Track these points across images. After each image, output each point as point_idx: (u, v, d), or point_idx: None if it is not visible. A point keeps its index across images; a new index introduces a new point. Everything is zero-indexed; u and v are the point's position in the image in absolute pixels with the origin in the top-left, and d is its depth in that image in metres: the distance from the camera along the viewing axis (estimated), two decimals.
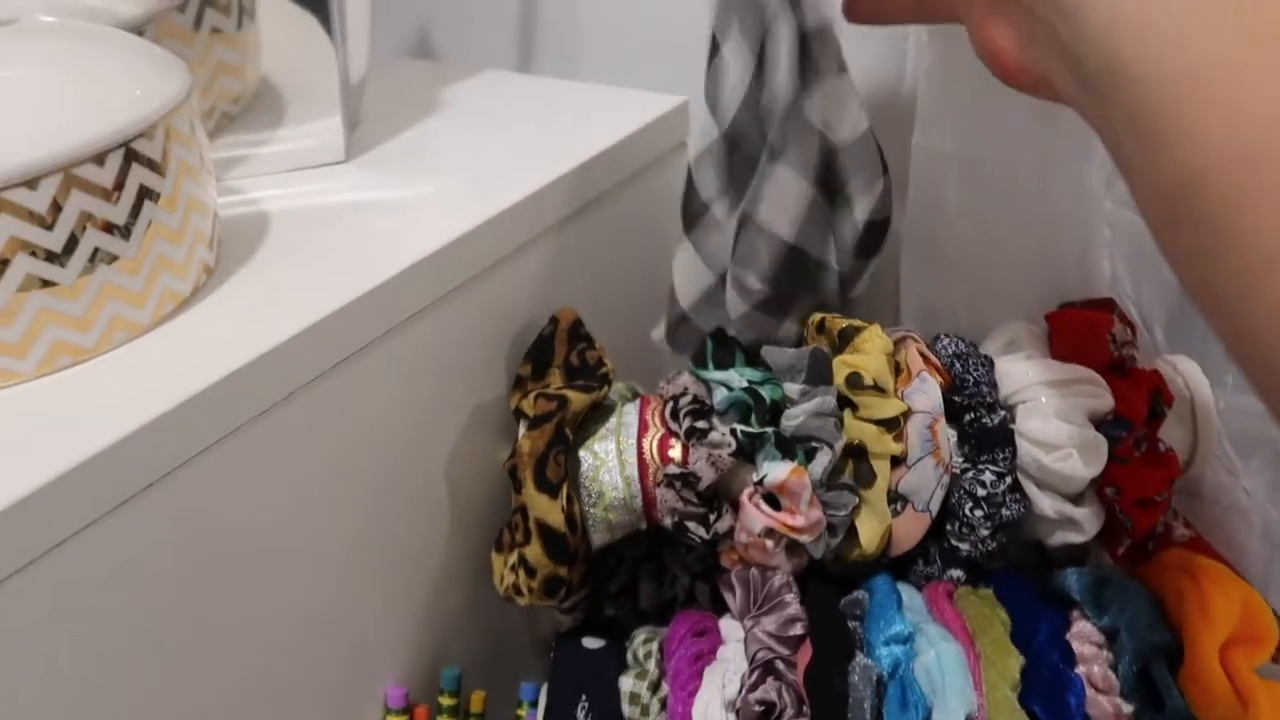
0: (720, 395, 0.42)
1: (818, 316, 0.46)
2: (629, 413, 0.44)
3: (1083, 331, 0.43)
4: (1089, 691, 0.39)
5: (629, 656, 0.43)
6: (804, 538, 0.39)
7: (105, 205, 0.34)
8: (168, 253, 0.37)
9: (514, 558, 0.43)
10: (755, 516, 0.39)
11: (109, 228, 0.35)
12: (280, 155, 0.50)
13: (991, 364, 0.42)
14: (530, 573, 0.40)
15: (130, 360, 0.36)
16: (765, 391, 0.41)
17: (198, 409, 0.34)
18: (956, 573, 0.44)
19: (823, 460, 0.39)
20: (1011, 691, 0.39)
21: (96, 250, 0.34)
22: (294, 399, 0.37)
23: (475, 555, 0.48)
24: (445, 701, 0.46)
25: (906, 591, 0.43)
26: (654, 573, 0.51)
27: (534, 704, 0.46)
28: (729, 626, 0.44)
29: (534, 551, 0.40)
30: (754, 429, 0.40)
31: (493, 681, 0.48)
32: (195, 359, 0.35)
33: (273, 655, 0.40)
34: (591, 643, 0.44)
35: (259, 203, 0.47)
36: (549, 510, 0.40)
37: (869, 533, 0.40)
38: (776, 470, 0.39)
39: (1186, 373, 0.44)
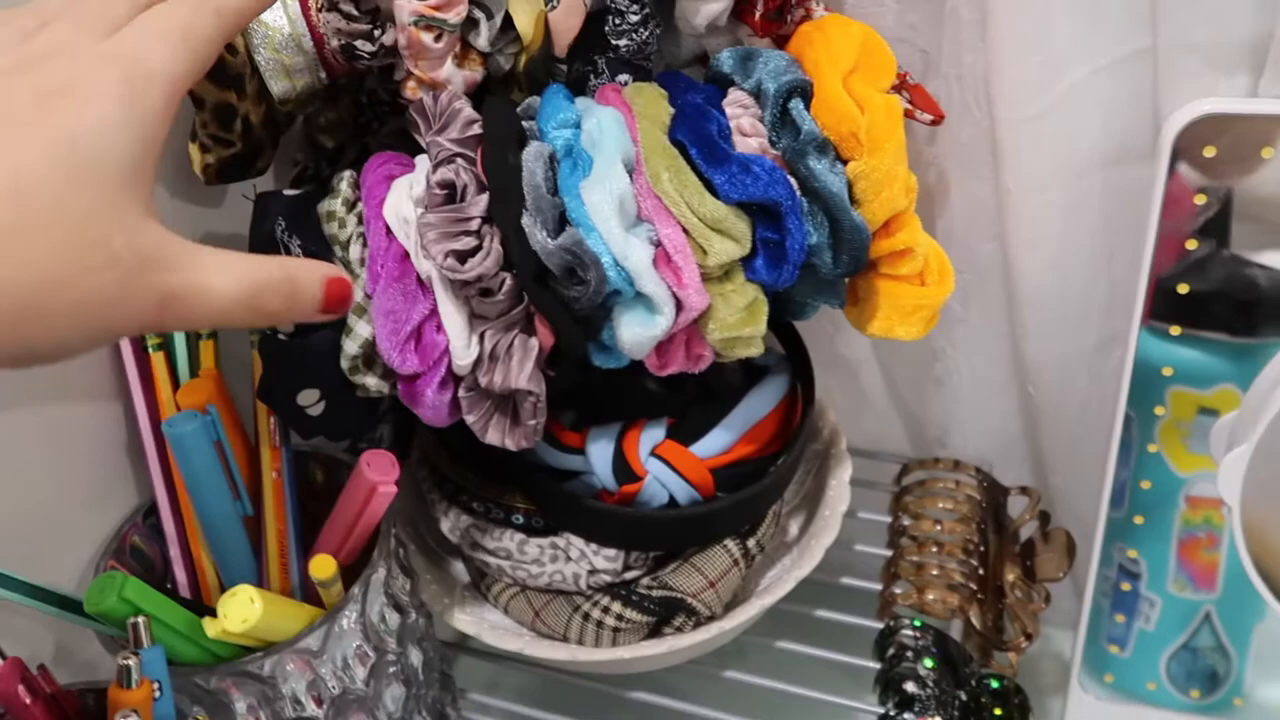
0: None
1: None
2: None
3: None
4: (739, 137, 0.44)
5: (328, 189, 0.46)
6: (451, 15, 0.41)
7: None
8: None
9: (198, 145, 0.45)
10: (402, 8, 0.41)
11: None
12: None
13: None
14: (200, 105, 0.42)
15: None
16: None
17: None
18: (624, 76, 0.48)
19: None
20: (662, 133, 0.43)
21: None
22: None
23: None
24: None
25: (580, 99, 0.47)
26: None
27: None
28: (421, 160, 0.46)
29: (200, 83, 0.41)
30: None
31: None
32: None
33: None
34: (292, 191, 0.46)
35: None
36: None
37: (525, 19, 0.43)
38: None
39: None
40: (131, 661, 0.36)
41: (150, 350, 0.47)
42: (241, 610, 0.39)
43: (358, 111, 0.50)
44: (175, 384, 0.47)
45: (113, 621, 0.39)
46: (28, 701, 0.39)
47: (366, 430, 0.53)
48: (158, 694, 0.38)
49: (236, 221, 0.53)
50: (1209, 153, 0.47)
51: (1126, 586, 0.62)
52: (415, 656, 0.49)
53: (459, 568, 0.58)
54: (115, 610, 0.38)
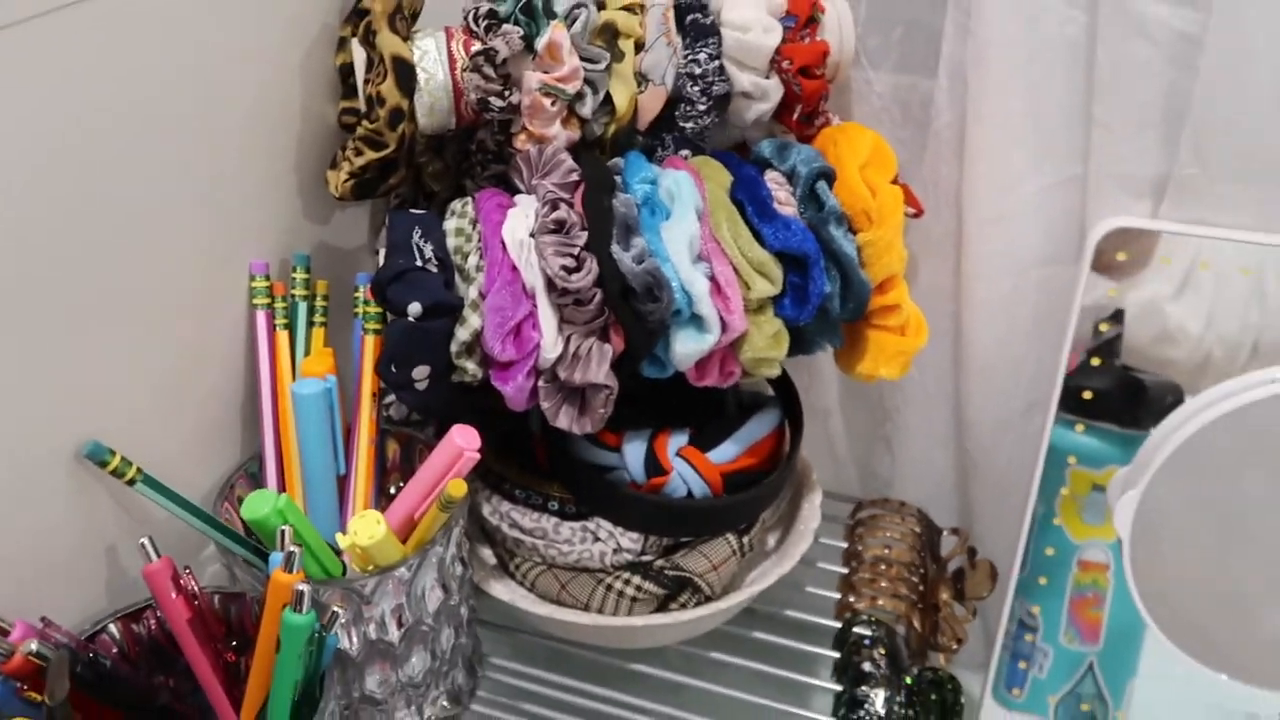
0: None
1: None
2: (438, 30, 0.56)
3: None
4: (776, 205, 0.57)
5: (448, 212, 0.56)
6: (569, 86, 0.53)
7: None
8: None
9: (351, 149, 0.55)
10: (531, 77, 0.53)
11: None
12: None
13: None
14: (380, 103, 0.52)
15: None
16: None
17: None
18: (685, 151, 0.60)
19: (582, 17, 0.53)
20: (724, 193, 0.55)
21: None
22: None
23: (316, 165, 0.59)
24: (298, 276, 0.57)
25: (651, 165, 0.59)
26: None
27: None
28: (523, 198, 0.58)
29: (387, 86, 0.52)
30: None
31: (334, 277, 0.60)
32: None
33: (145, 223, 0.49)
34: (417, 210, 0.57)
35: None
36: (400, 47, 0.52)
37: (622, 98, 0.55)
38: (546, 34, 0.53)
39: (836, 2, 0.62)
40: (297, 550, 0.44)
41: (278, 329, 0.57)
42: (369, 529, 0.48)
43: (462, 159, 0.61)
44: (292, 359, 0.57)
45: (263, 529, 0.48)
46: (173, 595, 0.48)
47: (452, 411, 0.62)
48: None
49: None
50: (1121, 257, 0.62)
51: (1029, 638, 0.74)
52: (464, 610, 0.58)
53: (485, 552, 0.67)
54: (268, 520, 0.47)
